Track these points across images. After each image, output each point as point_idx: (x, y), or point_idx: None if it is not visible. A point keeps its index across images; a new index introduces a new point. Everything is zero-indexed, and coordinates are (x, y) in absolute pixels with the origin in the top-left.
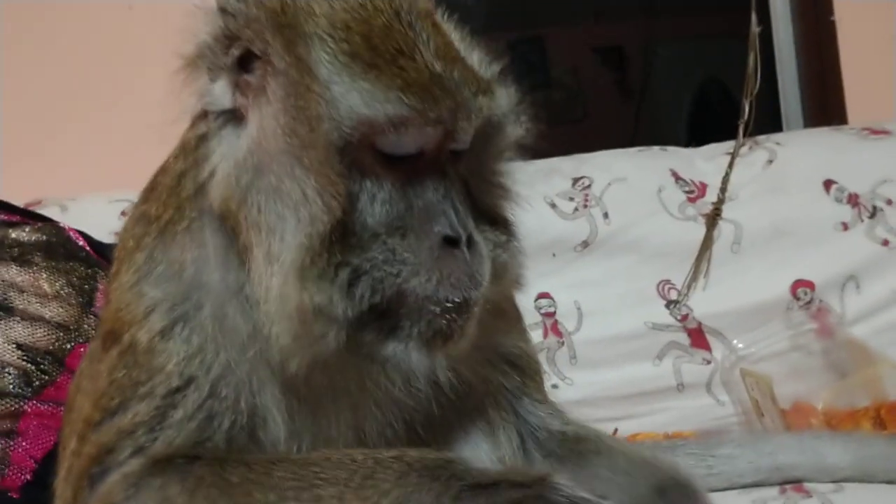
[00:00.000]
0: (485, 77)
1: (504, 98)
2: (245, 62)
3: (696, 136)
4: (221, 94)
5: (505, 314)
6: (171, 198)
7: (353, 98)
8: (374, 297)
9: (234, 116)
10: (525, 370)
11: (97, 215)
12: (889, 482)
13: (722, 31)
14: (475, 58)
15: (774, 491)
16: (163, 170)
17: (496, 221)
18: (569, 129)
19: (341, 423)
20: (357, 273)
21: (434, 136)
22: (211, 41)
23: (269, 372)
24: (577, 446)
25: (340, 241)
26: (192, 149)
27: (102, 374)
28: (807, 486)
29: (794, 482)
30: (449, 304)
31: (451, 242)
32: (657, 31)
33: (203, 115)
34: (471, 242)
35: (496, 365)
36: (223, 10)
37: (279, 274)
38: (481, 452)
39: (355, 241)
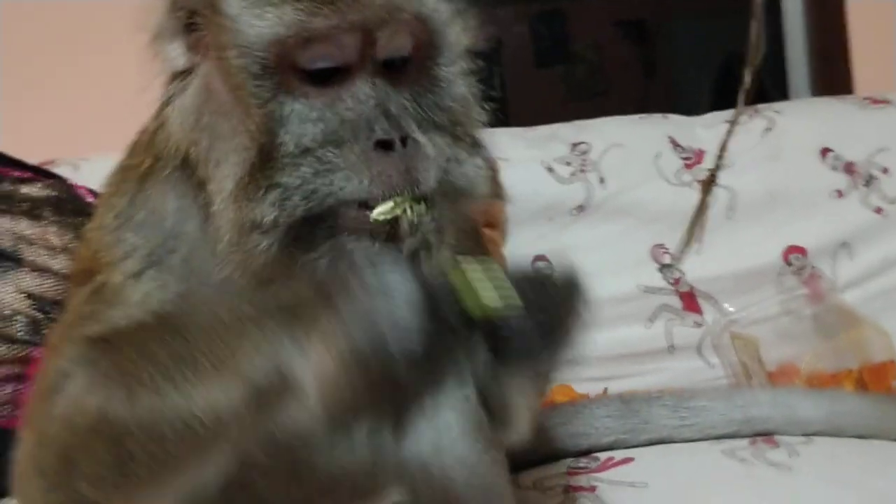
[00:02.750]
0: None
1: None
2: (192, 22)
3: (718, 110)
4: (176, 55)
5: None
6: (149, 150)
7: (260, 22)
8: (310, 206)
9: (190, 73)
10: None
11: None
12: (858, 436)
13: (745, 5)
14: None
15: (745, 442)
16: (142, 130)
17: (458, 138)
18: (590, 103)
19: None
20: (288, 189)
21: (351, 44)
22: (164, 10)
23: None
24: None
25: (269, 163)
26: (162, 108)
27: (71, 308)
28: (777, 438)
29: (765, 434)
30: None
31: (384, 146)
32: (679, 4)
33: (171, 78)
34: (408, 143)
35: None
36: None
37: (222, 201)
38: (452, 405)
39: (287, 161)
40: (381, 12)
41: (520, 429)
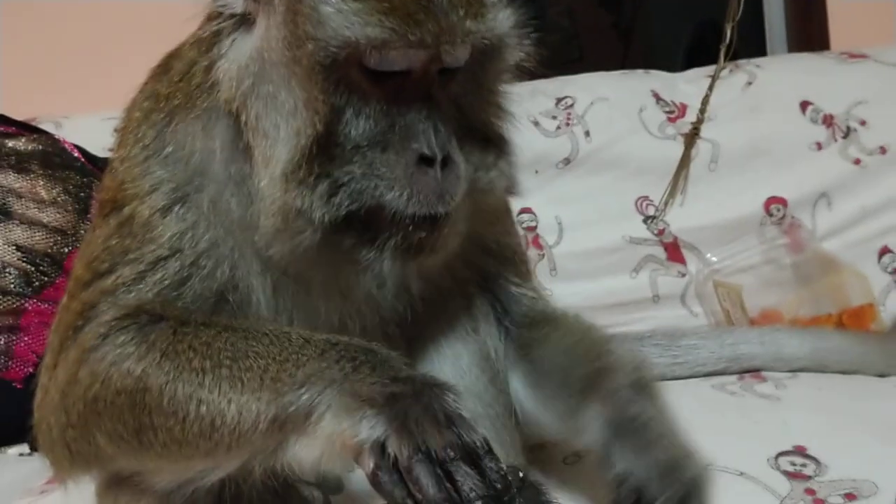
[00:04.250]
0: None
1: (499, 21)
2: None
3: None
4: None
5: (493, 210)
6: (182, 83)
7: (339, 20)
8: (352, 206)
9: (246, 20)
10: (505, 258)
11: (90, 132)
12: (841, 372)
13: None
14: None
15: (734, 378)
16: (176, 54)
17: (488, 140)
18: (565, 70)
19: (325, 311)
20: (337, 184)
21: (418, 57)
22: None
23: (254, 254)
24: (538, 327)
25: (324, 152)
26: (206, 42)
27: (98, 239)
28: (764, 373)
29: (752, 371)
30: (418, 220)
31: (426, 161)
32: None
33: (218, 13)
34: (447, 162)
35: (479, 254)
36: None
37: (270, 176)
38: (460, 336)
39: (338, 153)
40: (454, 35)
41: None
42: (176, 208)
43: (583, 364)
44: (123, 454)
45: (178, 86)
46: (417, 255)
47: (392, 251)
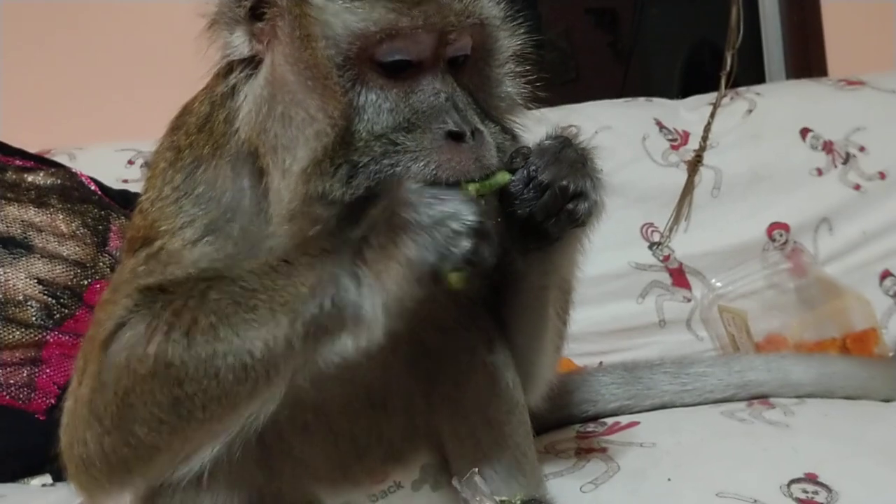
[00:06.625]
0: None
1: (490, 4)
2: (257, 11)
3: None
4: (239, 43)
5: None
6: (203, 134)
7: (346, 15)
8: (371, 183)
9: (253, 62)
10: None
11: (104, 164)
12: (847, 398)
13: None
14: None
15: (742, 404)
16: (186, 111)
17: (504, 130)
18: (561, 89)
19: None
20: (357, 166)
21: (427, 42)
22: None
23: None
24: None
25: (345, 146)
26: (221, 96)
27: (126, 269)
28: (772, 400)
29: (760, 397)
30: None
31: (455, 137)
32: None
33: (229, 69)
34: (476, 134)
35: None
36: None
37: (288, 179)
38: (478, 368)
39: (360, 144)
40: (456, 17)
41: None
42: (207, 239)
43: None
44: (166, 438)
45: (198, 136)
46: None
47: None
